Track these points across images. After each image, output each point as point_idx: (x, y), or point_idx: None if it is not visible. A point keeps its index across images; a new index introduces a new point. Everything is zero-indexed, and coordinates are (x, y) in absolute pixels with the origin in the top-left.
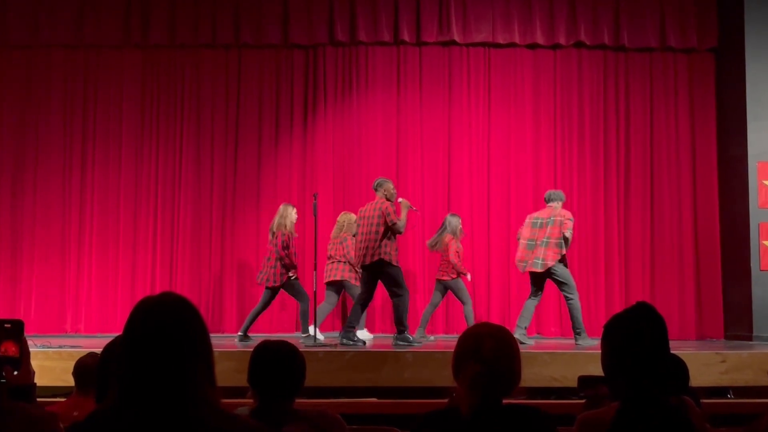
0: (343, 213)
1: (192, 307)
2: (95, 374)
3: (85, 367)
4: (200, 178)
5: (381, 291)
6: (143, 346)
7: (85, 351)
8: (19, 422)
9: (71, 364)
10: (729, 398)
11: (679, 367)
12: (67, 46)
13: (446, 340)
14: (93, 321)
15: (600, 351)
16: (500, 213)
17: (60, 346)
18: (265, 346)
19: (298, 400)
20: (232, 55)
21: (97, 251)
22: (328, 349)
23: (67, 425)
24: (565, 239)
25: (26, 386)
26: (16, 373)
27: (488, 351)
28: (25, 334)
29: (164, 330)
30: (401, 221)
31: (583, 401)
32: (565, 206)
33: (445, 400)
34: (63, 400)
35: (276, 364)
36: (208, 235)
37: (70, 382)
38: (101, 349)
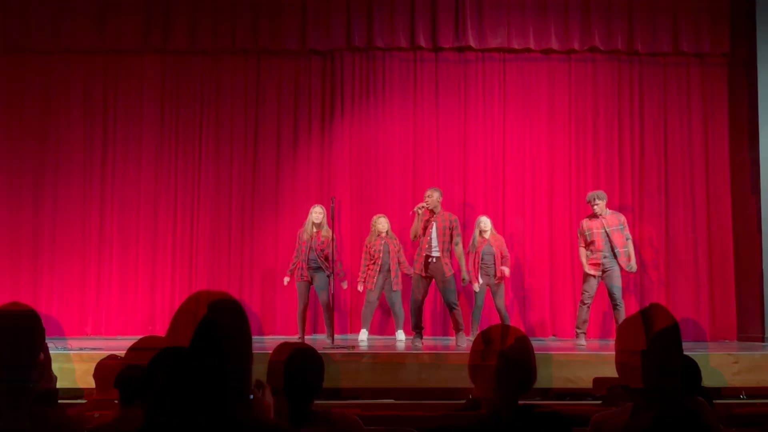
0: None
1: (239, 315)
2: (114, 377)
3: (106, 369)
4: (219, 183)
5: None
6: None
7: (106, 353)
8: (47, 428)
9: (92, 366)
10: (741, 399)
11: (692, 368)
12: (87, 51)
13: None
14: (113, 323)
15: (614, 353)
16: (516, 219)
17: (81, 349)
18: (284, 349)
19: (315, 402)
20: (251, 60)
21: (117, 255)
22: (345, 351)
23: (89, 426)
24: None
25: (49, 391)
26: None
27: (508, 347)
28: (47, 336)
29: (204, 332)
30: (411, 230)
31: (598, 402)
32: (580, 211)
33: (462, 401)
34: (84, 402)
35: (293, 366)
36: (227, 240)
37: (91, 384)
38: (124, 352)
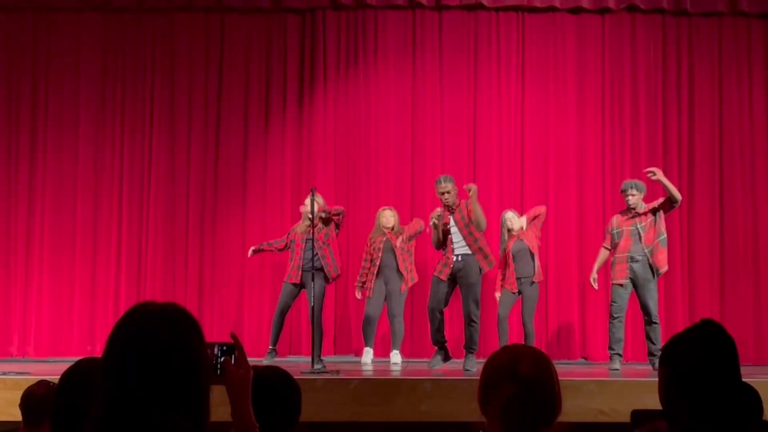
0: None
1: (193, 327)
2: (48, 407)
3: (35, 398)
4: (174, 170)
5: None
6: (121, 366)
7: (34, 378)
8: None
9: (18, 395)
10: None
11: (752, 397)
12: (10, 8)
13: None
14: (44, 343)
15: (657, 379)
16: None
17: (4, 373)
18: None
19: None
20: (213, 20)
21: (48, 259)
22: (328, 376)
23: None
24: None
25: None
26: None
27: (525, 371)
28: None
29: (144, 350)
30: (432, 240)
31: None
32: (615, 204)
33: None
34: None
35: (263, 395)
36: (183, 238)
37: (16, 416)
38: (54, 377)
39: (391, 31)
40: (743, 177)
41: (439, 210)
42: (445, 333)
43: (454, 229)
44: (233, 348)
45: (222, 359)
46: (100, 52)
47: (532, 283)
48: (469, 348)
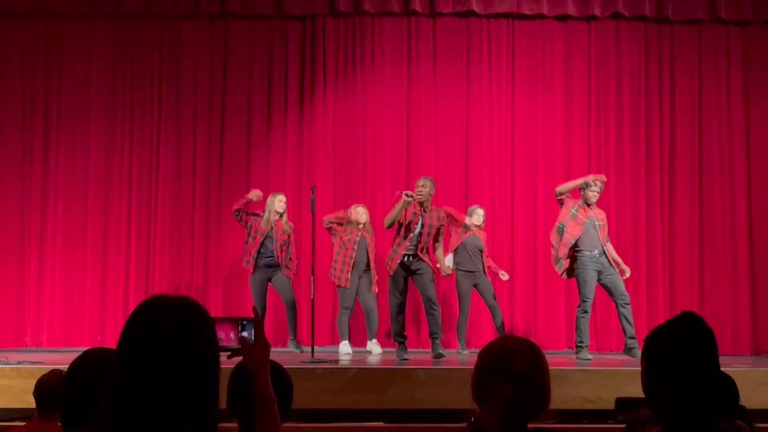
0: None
1: (204, 320)
2: (60, 395)
3: (48, 387)
4: (181, 170)
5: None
6: (133, 357)
7: (47, 368)
8: None
9: (32, 383)
10: None
11: (729, 386)
12: (25, 15)
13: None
14: (56, 333)
15: (640, 368)
16: (526, 206)
17: (19, 362)
18: (243, 363)
19: (288, 425)
20: (218, 27)
21: (61, 254)
22: (326, 365)
23: None
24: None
25: None
26: None
27: (520, 368)
28: None
29: (156, 342)
30: (388, 215)
31: (621, 426)
32: (601, 200)
33: (463, 425)
34: (22, 424)
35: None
36: (189, 235)
37: (30, 403)
38: (67, 366)
39: (388, 36)
40: (722, 176)
41: (412, 194)
42: None
43: (418, 231)
44: (254, 321)
45: (242, 335)
46: (109, 57)
47: (484, 273)
48: (436, 334)
